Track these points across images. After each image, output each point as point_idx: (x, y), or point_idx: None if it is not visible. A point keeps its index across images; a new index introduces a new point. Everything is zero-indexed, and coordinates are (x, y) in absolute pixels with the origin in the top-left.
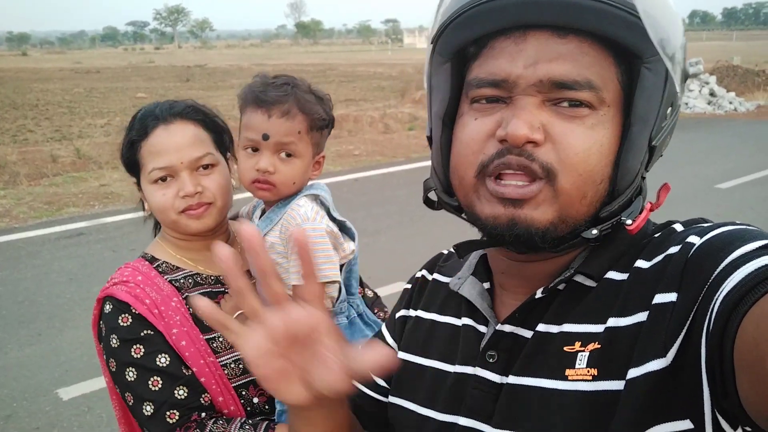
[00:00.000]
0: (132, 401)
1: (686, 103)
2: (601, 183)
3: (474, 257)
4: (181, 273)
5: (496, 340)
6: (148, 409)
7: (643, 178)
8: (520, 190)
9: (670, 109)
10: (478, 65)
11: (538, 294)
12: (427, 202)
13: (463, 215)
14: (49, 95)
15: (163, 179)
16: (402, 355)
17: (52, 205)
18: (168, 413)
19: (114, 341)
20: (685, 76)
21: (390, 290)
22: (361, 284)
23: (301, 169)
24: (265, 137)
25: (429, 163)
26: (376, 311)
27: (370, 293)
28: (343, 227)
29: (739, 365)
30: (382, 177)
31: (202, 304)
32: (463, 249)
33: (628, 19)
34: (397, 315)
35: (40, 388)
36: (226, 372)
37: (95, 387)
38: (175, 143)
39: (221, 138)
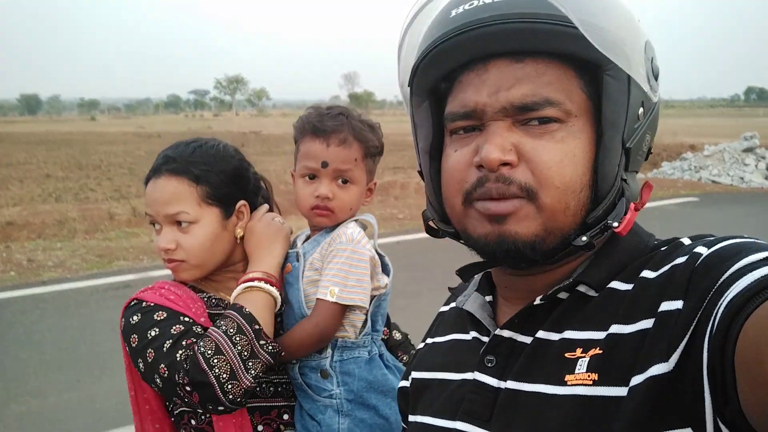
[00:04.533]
0: (153, 354)
1: (742, 177)
2: (581, 191)
3: (479, 275)
4: (204, 294)
5: (494, 344)
6: (167, 345)
7: (624, 180)
8: (502, 206)
9: (641, 109)
10: (451, 100)
11: (537, 301)
12: (430, 231)
13: (461, 240)
14: (112, 157)
15: (156, 226)
16: (413, 374)
17: (104, 257)
18: (185, 340)
19: (135, 318)
20: (656, 74)
21: None
22: (389, 325)
23: (356, 195)
24: (324, 165)
25: None
26: (399, 354)
27: (398, 335)
28: (381, 261)
29: (740, 369)
30: (425, 241)
31: None
32: (466, 273)
33: (575, 33)
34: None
35: None
36: None
37: None
38: (155, 198)
39: (223, 188)
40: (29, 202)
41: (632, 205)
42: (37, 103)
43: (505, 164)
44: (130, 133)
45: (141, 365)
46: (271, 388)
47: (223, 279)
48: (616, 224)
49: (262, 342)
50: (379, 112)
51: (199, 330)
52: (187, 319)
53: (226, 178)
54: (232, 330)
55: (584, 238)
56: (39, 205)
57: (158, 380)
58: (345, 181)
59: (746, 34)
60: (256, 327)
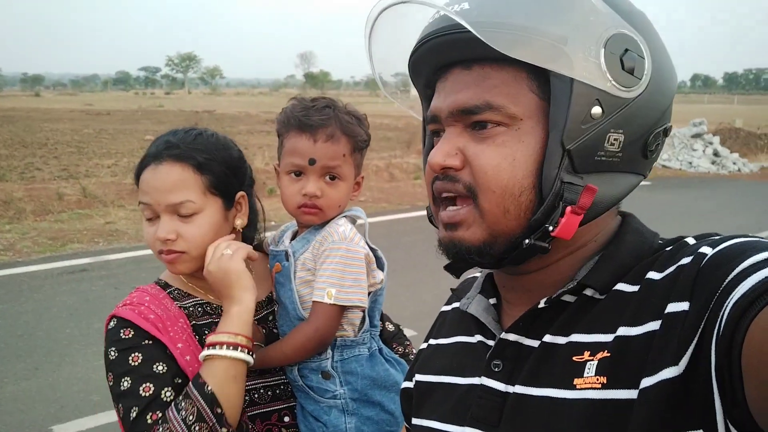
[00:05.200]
0: (122, 412)
1: (690, 162)
2: (521, 195)
3: (482, 277)
4: (191, 300)
5: (500, 349)
6: (133, 413)
7: (566, 182)
8: (450, 214)
9: (598, 108)
10: None
11: (541, 304)
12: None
13: None
14: (58, 135)
15: (150, 216)
16: (417, 377)
17: (57, 240)
18: (150, 414)
19: (113, 353)
20: (629, 68)
21: None
22: (381, 317)
23: (345, 191)
24: (312, 162)
25: None
26: (394, 346)
27: (391, 327)
28: (374, 255)
29: (747, 370)
30: (388, 223)
31: None
32: (452, 270)
33: (508, 39)
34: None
35: (35, 423)
36: None
37: (90, 425)
38: (156, 186)
39: (225, 179)
40: None
41: (569, 209)
42: None
43: (450, 168)
44: (77, 111)
45: (117, 407)
46: (269, 393)
47: None
48: (551, 228)
49: (224, 430)
50: (335, 92)
51: (167, 396)
52: (160, 369)
53: (228, 169)
54: (191, 418)
55: (527, 241)
56: None
57: None
58: (333, 178)
59: (690, 22)
60: (218, 411)
